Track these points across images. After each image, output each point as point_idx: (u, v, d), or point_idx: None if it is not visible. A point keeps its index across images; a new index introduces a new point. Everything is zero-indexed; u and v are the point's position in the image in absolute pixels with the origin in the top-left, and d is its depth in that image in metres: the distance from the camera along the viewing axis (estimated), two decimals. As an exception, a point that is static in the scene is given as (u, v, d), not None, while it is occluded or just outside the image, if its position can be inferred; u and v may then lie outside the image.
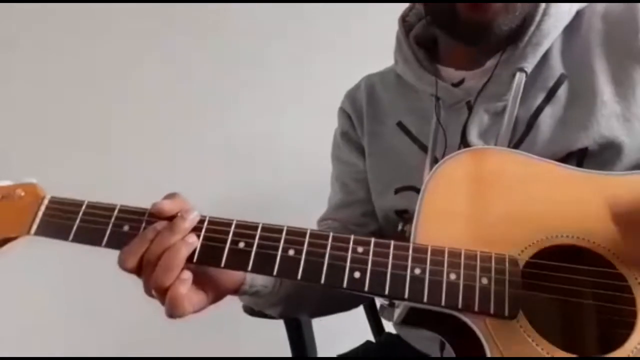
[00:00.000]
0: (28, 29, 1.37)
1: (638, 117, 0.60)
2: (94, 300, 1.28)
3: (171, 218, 0.54)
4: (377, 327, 0.98)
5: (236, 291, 0.60)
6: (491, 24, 0.63)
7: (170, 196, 0.56)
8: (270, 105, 1.41)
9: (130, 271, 0.52)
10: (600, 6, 0.68)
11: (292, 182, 1.32)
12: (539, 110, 0.65)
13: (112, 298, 1.27)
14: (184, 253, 0.52)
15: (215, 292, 0.57)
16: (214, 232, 0.54)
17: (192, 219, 0.53)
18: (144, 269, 0.52)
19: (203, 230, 0.54)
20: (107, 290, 1.23)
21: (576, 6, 0.68)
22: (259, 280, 0.62)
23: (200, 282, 0.54)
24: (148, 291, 0.53)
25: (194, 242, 0.53)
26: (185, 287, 0.51)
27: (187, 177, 1.36)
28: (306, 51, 1.41)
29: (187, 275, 0.52)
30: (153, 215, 0.54)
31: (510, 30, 0.64)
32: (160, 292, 0.51)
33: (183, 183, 1.33)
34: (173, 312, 0.51)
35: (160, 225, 0.53)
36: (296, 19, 1.42)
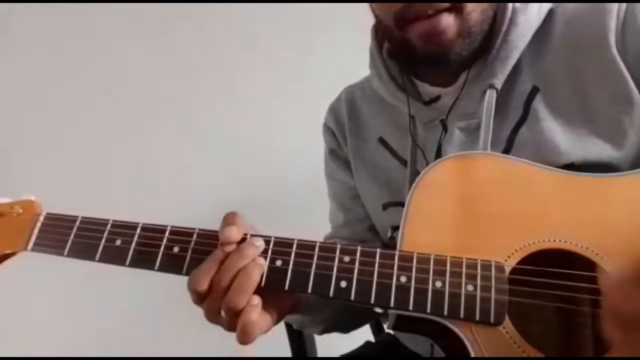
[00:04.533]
0: (26, 28, 1.38)
1: (622, 132, 0.58)
2: (94, 299, 1.31)
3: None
4: (377, 327, 0.99)
5: (294, 310, 0.60)
6: (447, 53, 0.61)
7: (232, 219, 0.55)
8: (270, 105, 1.41)
9: (201, 294, 0.52)
10: (569, 8, 0.64)
11: (294, 184, 1.33)
12: (517, 127, 0.63)
13: (112, 298, 1.30)
14: (257, 275, 0.52)
15: (278, 313, 0.56)
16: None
17: (259, 247, 0.53)
18: (214, 290, 0.52)
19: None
20: (107, 289, 1.25)
21: (547, 6, 0.64)
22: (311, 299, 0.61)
23: (265, 304, 0.54)
24: (213, 315, 0.53)
25: (264, 264, 0.53)
26: (256, 313, 0.51)
27: (187, 178, 1.37)
28: (306, 51, 1.41)
29: (257, 300, 0.52)
30: (222, 244, 0.54)
31: (472, 51, 0.62)
32: (233, 315, 0.51)
33: (182, 184, 1.36)
34: (245, 340, 0.51)
35: (229, 247, 0.53)
36: (296, 20, 1.42)
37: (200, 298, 0.53)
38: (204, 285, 0.51)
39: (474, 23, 0.60)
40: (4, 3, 1.37)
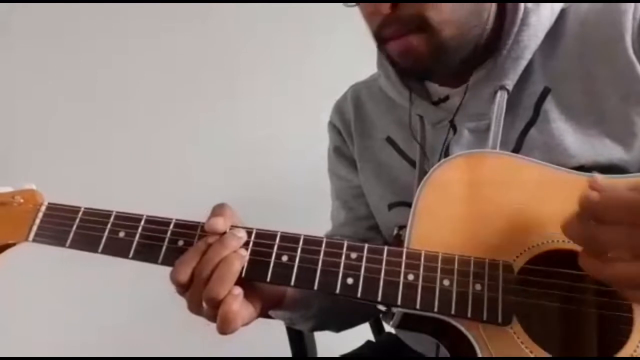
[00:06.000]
0: (26, 28, 1.38)
1: (633, 133, 0.57)
2: (94, 298, 1.29)
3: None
4: (377, 327, 0.99)
5: (279, 304, 0.60)
6: (427, 68, 0.61)
7: (220, 211, 0.55)
8: (270, 105, 1.41)
9: (182, 284, 0.52)
10: (583, 8, 0.63)
11: (294, 184, 1.32)
12: (526, 128, 0.62)
13: (112, 297, 1.29)
14: (238, 265, 0.51)
15: (262, 305, 0.56)
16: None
17: (241, 238, 0.53)
18: (195, 281, 0.51)
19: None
20: (108, 288, 1.24)
21: (559, 6, 0.63)
22: (297, 293, 0.62)
23: (248, 295, 0.54)
24: (196, 306, 0.52)
25: (246, 255, 0.53)
26: (237, 303, 0.51)
27: (187, 177, 1.37)
28: (306, 51, 1.41)
29: (238, 290, 0.51)
30: (206, 233, 0.54)
31: (479, 53, 0.62)
32: (214, 305, 0.51)
33: (182, 184, 1.35)
34: (226, 330, 0.51)
35: (212, 238, 0.53)
36: (296, 20, 1.42)
37: (182, 289, 0.53)
38: (185, 276, 0.51)
39: (445, 39, 0.58)
40: (4, 3, 1.36)
